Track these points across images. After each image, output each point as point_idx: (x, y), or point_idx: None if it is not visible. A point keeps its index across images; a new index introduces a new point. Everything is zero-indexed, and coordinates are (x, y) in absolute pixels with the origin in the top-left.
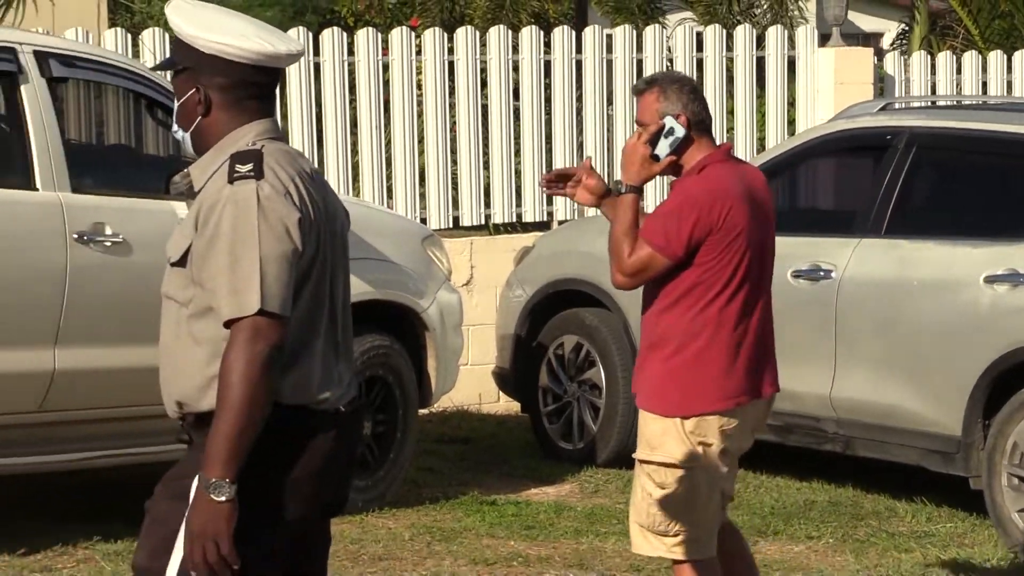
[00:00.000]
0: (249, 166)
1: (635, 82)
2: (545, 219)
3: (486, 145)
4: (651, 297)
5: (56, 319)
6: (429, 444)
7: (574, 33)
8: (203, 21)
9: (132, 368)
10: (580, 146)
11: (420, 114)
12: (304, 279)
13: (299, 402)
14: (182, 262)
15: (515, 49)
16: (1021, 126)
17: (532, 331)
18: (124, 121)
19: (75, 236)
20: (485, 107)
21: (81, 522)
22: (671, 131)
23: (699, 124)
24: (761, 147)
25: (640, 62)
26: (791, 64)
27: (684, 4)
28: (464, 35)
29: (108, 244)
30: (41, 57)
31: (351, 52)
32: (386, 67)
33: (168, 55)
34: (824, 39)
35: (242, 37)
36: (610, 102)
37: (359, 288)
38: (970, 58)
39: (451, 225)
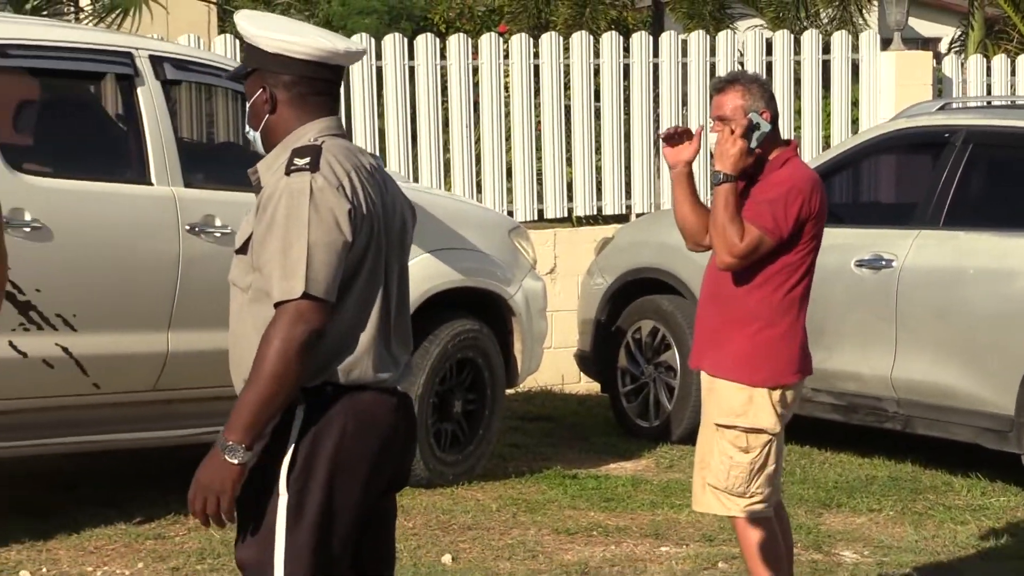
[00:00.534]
0: (306, 160)
1: (712, 81)
2: (624, 212)
3: (569, 143)
4: (738, 277)
5: (170, 305)
6: (515, 421)
7: (651, 38)
8: (266, 23)
9: None
10: (657, 143)
11: (507, 114)
12: (356, 268)
13: (355, 382)
14: (244, 250)
15: (596, 53)
16: None
17: (611, 316)
18: (232, 120)
19: (187, 227)
20: (568, 107)
21: None
22: (757, 126)
23: (774, 120)
24: (826, 145)
25: (713, 65)
26: (855, 67)
27: (754, 11)
28: (549, 41)
29: (217, 235)
30: (156, 61)
31: (443, 56)
32: (476, 70)
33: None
34: (886, 43)
35: (303, 35)
36: (685, 103)
37: (451, 276)
38: None
39: (536, 217)
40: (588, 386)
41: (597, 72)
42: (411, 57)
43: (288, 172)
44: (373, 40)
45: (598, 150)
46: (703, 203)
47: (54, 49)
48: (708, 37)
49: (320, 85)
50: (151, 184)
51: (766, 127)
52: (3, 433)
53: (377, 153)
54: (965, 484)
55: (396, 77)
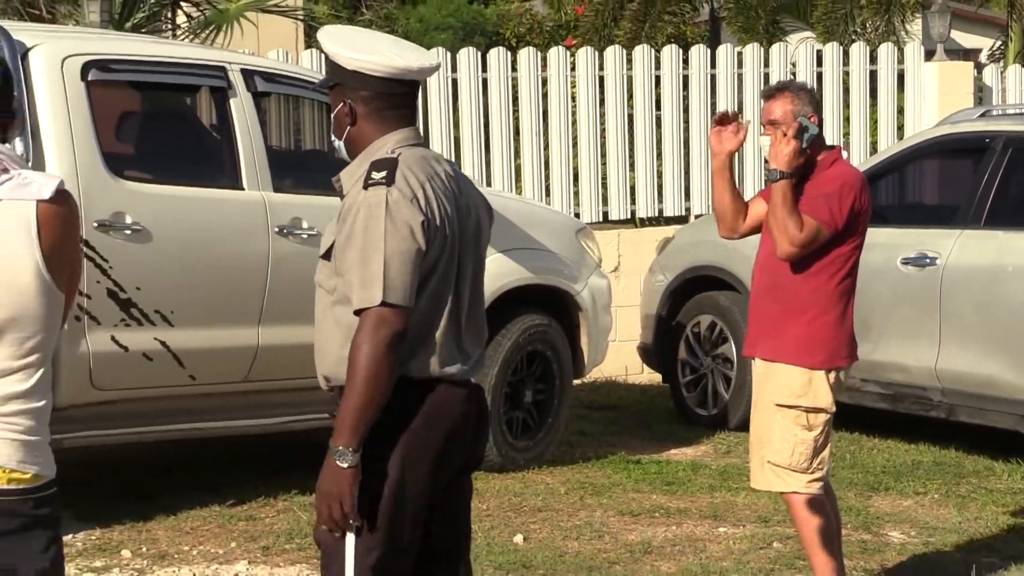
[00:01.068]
0: (383, 173)
1: (763, 89)
2: (683, 213)
3: (631, 149)
4: (794, 268)
5: (260, 301)
6: (582, 410)
7: (709, 51)
8: (345, 41)
9: None
10: None
11: (574, 122)
12: (430, 273)
13: (427, 376)
14: (327, 255)
15: (657, 65)
16: None
17: (672, 311)
18: (317, 130)
19: (276, 229)
20: (631, 116)
21: (281, 477)
22: (807, 128)
23: (820, 125)
24: (873, 150)
25: (767, 76)
26: (900, 77)
27: (805, 24)
28: (613, 53)
29: (304, 236)
30: (247, 74)
31: (514, 69)
32: (545, 82)
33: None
34: (929, 55)
35: (377, 53)
36: (740, 111)
37: (522, 274)
38: None
39: (601, 219)
40: (650, 377)
41: (658, 83)
42: (484, 70)
43: (366, 186)
44: (449, 54)
45: (659, 156)
46: (740, 193)
47: (153, 64)
48: (762, 50)
49: (396, 99)
50: (243, 189)
51: (814, 130)
52: (106, 422)
53: (453, 160)
54: (1006, 469)
55: (470, 88)
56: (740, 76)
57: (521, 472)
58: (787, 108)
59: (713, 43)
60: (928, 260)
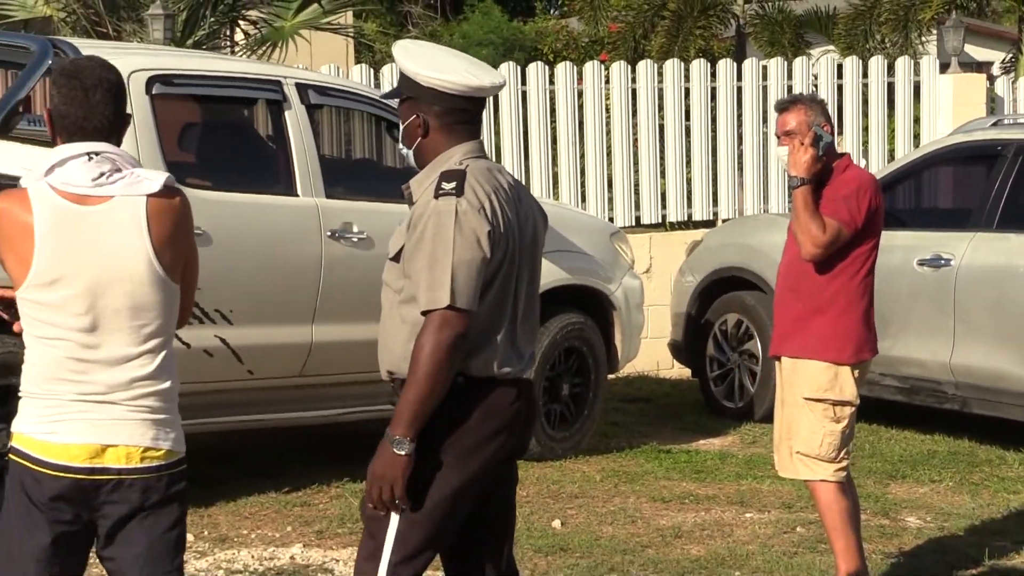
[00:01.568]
0: (453, 184)
1: (776, 102)
2: (711, 218)
3: (662, 157)
4: (817, 269)
5: (313, 301)
6: (615, 403)
7: (735, 65)
8: (422, 59)
9: (375, 341)
10: (740, 157)
11: (608, 132)
12: (492, 279)
13: (486, 375)
14: (397, 258)
15: (686, 78)
16: None
17: (700, 310)
18: (367, 140)
19: (328, 233)
20: (661, 126)
21: (333, 466)
22: (821, 137)
23: (833, 132)
24: (891, 157)
25: (790, 88)
26: (916, 88)
27: (827, 39)
28: (645, 68)
29: (355, 240)
30: (301, 88)
31: (552, 82)
32: (580, 94)
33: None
34: (944, 67)
35: (454, 72)
36: (765, 121)
37: (559, 275)
38: None
39: (634, 223)
40: (680, 372)
41: (687, 95)
42: (523, 83)
43: (436, 195)
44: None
45: (688, 163)
46: None
47: (213, 78)
48: (786, 63)
49: (466, 114)
50: (297, 195)
51: (828, 138)
52: None
53: None
54: (1017, 458)
55: (510, 101)
56: (765, 88)
57: (559, 461)
58: (801, 119)
59: (739, 57)
60: (943, 261)
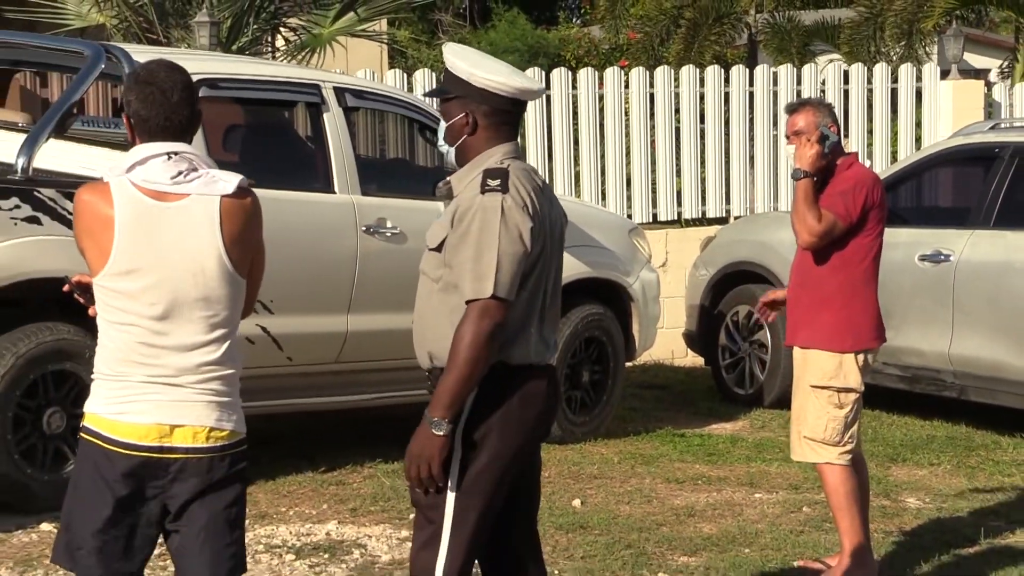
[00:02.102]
0: (498, 181)
1: (786, 105)
2: (724, 215)
3: (678, 158)
4: (822, 264)
5: (349, 292)
6: (633, 389)
7: (747, 71)
8: (474, 61)
9: (406, 329)
10: (752, 159)
11: (627, 134)
12: (529, 272)
13: (522, 363)
14: (438, 248)
15: (701, 83)
16: None
17: (713, 302)
18: (401, 140)
19: (363, 228)
20: (677, 129)
21: (367, 447)
22: (827, 136)
23: (839, 133)
24: (894, 159)
25: (799, 93)
26: (918, 94)
27: (833, 47)
28: (662, 73)
29: (388, 235)
30: (338, 92)
31: (574, 87)
32: (601, 98)
33: (437, 85)
34: (945, 74)
35: (503, 75)
36: (775, 124)
37: (581, 268)
38: None
39: (651, 220)
40: (693, 360)
41: (702, 99)
42: (547, 87)
43: (483, 191)
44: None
45: (702, 164)
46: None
47: (255, 82)
48: (795, 70)
49: (510, 115)
50: (334, 192)
51: (834, 137)
52: None
53: None
54: (1011, 443)
55: (535, 104)
56: (775, 93)
57: (579, 444)
58: (809, 119)
59: (751, 64)
60: (943, 257)
